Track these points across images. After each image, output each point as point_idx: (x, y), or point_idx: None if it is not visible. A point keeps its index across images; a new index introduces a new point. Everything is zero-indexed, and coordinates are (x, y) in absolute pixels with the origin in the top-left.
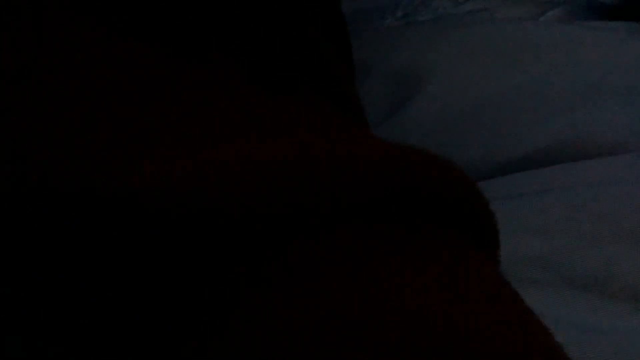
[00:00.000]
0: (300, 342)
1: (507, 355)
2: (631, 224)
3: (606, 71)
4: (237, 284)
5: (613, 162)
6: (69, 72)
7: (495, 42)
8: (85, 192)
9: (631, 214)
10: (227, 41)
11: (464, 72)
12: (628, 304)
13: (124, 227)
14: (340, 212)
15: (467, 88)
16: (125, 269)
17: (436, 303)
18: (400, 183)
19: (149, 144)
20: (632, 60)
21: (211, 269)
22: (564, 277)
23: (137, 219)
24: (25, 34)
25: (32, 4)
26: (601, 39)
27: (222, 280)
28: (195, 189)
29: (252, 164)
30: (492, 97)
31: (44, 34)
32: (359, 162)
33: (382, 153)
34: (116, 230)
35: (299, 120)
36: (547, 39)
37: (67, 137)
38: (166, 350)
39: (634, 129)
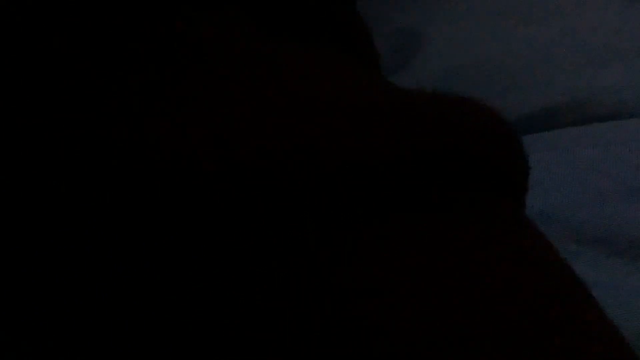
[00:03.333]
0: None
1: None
2: (636, 183)
3: (612, 34)
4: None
5: (617, 125)
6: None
7: (501, 2)
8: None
9: (636, 173)
10: None
11: (469, 32)
12: (633, 261)
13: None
14: (385, 181)
15: (472, 47)
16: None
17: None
18: (445, 136)
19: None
20: (638, 24)
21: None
22: (569, 233)
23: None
24: None
25: None
26: (608, 3)
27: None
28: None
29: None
30: (496, 56)
31: None
32: (396, 116)
33: (422, 104)
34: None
35: (328, 70)
36: (555, 1)
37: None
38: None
39: (638, 91)
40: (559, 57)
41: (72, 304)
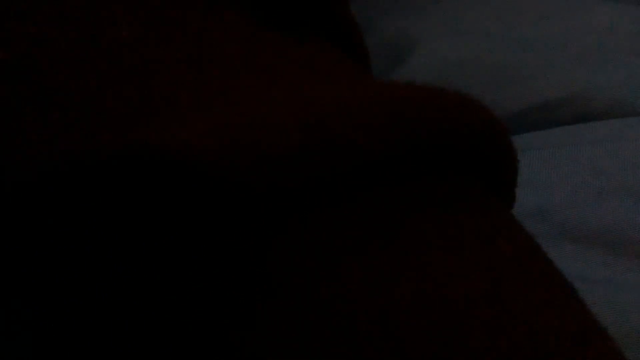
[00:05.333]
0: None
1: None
2: (633, 181)
3: (605, 34)
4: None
5: (613, 123)
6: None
7: (495, 3)
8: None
9: (633, 171)
10: None
11: (463, 33)
12: (632, 260)
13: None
14: (368, 171)
15: (465, 48)
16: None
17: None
18: (432, 131)
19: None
20: (630, 24)
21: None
22: (566, 232)
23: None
24: None
25: None
26: (600, 3)
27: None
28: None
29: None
30: (490, 56)
31: None
32: (382, 111)
33: (410, 98)
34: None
35: (320, 67)
36: (547, 2)
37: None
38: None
39: (632, 89)
40: (552, 56)
41: (72, 304)
